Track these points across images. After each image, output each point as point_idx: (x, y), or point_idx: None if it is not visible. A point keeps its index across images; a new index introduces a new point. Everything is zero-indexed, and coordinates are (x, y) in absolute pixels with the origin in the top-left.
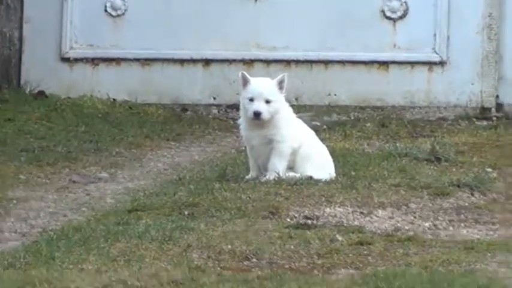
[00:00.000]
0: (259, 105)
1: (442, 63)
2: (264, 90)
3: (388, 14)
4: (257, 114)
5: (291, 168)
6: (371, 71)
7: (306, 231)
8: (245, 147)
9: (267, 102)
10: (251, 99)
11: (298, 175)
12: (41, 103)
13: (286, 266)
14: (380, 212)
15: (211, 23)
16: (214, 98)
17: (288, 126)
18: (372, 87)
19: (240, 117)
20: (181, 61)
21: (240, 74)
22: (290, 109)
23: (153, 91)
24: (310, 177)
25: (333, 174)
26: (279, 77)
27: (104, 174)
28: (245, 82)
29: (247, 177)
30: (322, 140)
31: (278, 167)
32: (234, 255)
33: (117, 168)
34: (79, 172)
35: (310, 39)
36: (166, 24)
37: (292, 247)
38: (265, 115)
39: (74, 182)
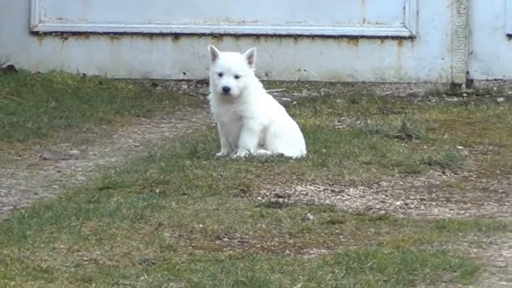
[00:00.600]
0: (228, 81)
1: (411, 38)
2: (233, 65)
3: None
4: (226, 90)
5: (261, 145)
6: (341, 45)
7: (277, 210)
8: (216, 123)
9: (236, 77)
10: (220, 74)
11: (269, 152)
12: (11, 78)
13: (258, 246)
14: (351, 190)
15: None
16: (184, 73)
17: (258, 103)
18: (341, 62)
19: (210, 93)
20: (151, 35)
21: (208, 48)
22: (260, 84)
23: (122, 66)
24: (281, 155)
25: (304, 151)
26: (248, 51)
27: (75, 151)
28: (214, 56)
29: (218, 154)
30: (293, 116)
31: (248, 143)
32: (205, 234)
33: (87, 145)
34: (50, 149)
35: (279, 13)
36: None
37: (263, 226)
38: (234, 90)
39: (45, 159)
